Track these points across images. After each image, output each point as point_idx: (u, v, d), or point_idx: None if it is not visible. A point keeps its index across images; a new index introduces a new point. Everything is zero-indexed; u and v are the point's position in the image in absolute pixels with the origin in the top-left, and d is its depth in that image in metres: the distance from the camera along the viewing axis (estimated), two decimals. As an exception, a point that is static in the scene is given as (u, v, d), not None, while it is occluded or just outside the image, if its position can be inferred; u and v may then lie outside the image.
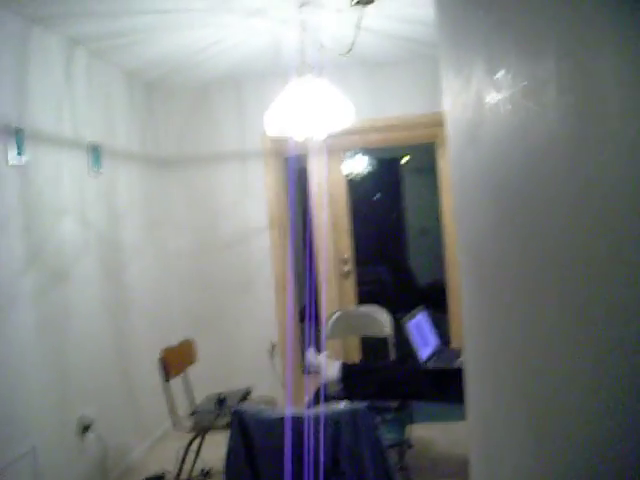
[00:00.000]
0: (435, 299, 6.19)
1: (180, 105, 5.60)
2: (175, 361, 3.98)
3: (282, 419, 2.39)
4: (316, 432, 2.29)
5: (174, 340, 4.32)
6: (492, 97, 1.21)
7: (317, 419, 2.32)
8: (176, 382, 4.13)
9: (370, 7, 3.86)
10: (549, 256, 0.96)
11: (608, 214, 0.73)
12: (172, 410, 3.85)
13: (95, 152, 4.32)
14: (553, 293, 0.99)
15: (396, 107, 5.34)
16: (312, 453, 2.30)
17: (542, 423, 1.17)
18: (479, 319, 1.87)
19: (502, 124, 1.18)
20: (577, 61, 0.77)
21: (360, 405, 2.39)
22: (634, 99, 0.65)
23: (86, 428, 3.91)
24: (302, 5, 3.77)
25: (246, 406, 2.71)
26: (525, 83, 0.98)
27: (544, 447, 1.17)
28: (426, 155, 6.15)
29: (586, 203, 0.78)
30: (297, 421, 2.37)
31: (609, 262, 0.76)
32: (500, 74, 1.12)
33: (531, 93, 0.95)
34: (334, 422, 2.29)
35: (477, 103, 1.42)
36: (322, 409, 2.38)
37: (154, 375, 3.85)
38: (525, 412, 1.30)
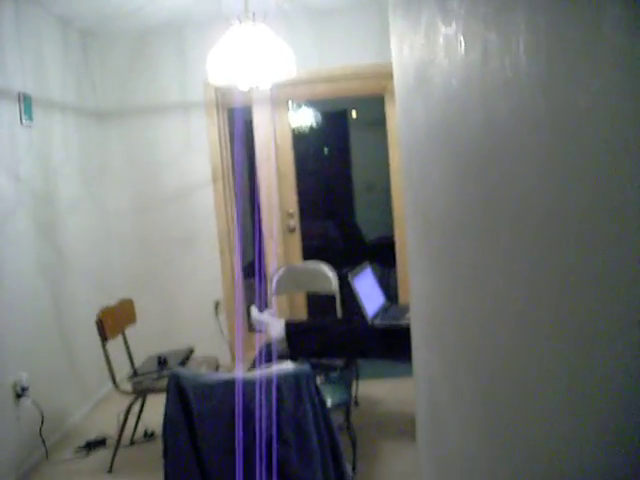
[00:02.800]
0: (383, 255, 6.14)
1: (119, 54, 5.33)
2: (113, 322, 3.82)
3: (220, 382, 2.28)
4: (258, 397, 2.19)
5: (115, 299, 4.16)
6: (444, 31, 1.08)
7: (258, 383, 2.21)
8: (118, 343, 3.99)
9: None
10: (514, 217, 0.84)
11: (588, 167, 0.60)
12: (111, 372, 3.71)
13: (26, 102, 4.08)
14: (511, 255, 0.88)
15: (343, 57, 5.17)
16: (253, 420, 2.19)
17: (489, 386, 1.09)
18: (426, 278, 1.78)
19: (456, 62, 1.05)
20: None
21: (302, 368, 2.28)
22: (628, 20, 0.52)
23: (21, 393, 3.75)
24: (244, -54, 3.57)
25: (183, 370, 2.58)
26: (485, 8, 0.85)
27: (490, 411, 1.10)
28: (375, 108, 6.02)
29: (564, 155, 0.66)
30: (237, 384, 2.26)
31: (583, 225, 0.64)
32: (454, 2, 0.99)
33: (493, 20, 0.82)
34: (276, 386, 2.18)
35: (426, 41, 1.28)
36: (262, 372, 2.27)
37: (94, 336, 3.69)
38: (472, 375, 1.21)
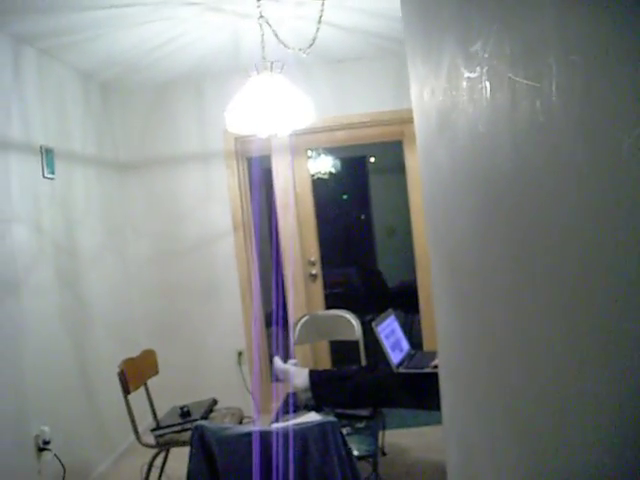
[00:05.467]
0: (406, 301, 6.08)
1: (138, 106, 5.40)
2: (135, 373, 3.79)
3: (245, 435, 2.23)
4: (283, 450, 2.14)
5: (137, 350, 4.13)
6: (467, 75, 1.07)
7: (284, 435, 2.16)
8: (141, 394, 3.95)
9: (331, 0, 3.72)
10: (549, 266, 0.81)
11: (630, 216, 0.58)
12: (133, 425, 3.67)
13: (48, 155, 4.12)
14: (543, 301, 0.85)
15: (361, 104, 5.21)
16: (279, 472, 2.14)
17: (526, 431, 1.05)
18: (454, 322, 1.74)
19: (482, 107, 1.03)
20: (587, 13, 0.62)
21: (329, 419, 2.23)
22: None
23: (42, 447, 3.71)
24: (261, -2, 3.61)
25: (208, 422, 2.54)
26: (510, 51, 0.83)
27: (526, 454, 1.05)
28: (393, 154, 6.04)
29: (605, 203, 0.63)
30: (262, 437, 2.21)
31: (607, 273, 0.61)
32: (477, 46, 0.97)
33: (521, 61, 0.79)
34: (302, 438, 2.13)
35: (449, 85, 1.27)
36: (290, 424, 2.22)
37: (116, 388, 3.66)
38: (508, 420, 1.17)
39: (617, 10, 0.57)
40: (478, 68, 1.00)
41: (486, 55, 0.95)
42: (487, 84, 0.97)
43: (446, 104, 1.36)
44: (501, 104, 0.90)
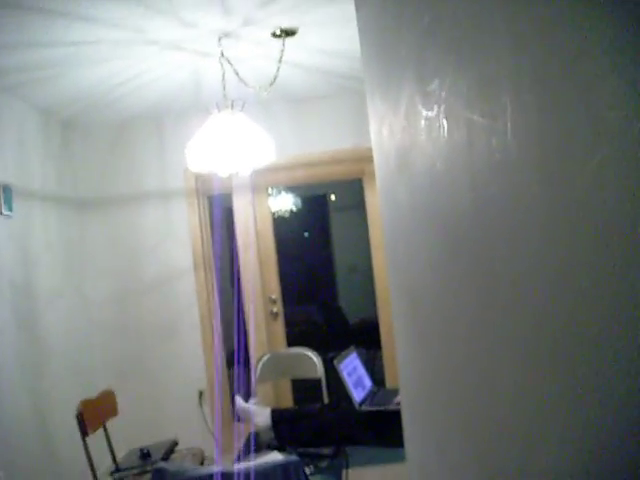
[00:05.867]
0: (367, 337, 6.08)
1: (99, 143, 5.37)
2: (94, 415, 3.72)
3: (207, 477, 2.20)
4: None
5: (96, 391, 4.05)
6: (425, 114, 1.08)
7: (246, 476, 2.13)
8: (100, 436, 3.87)
9: (292, 40, 3.77)
10: (509, 298, 0.82)
11: (588, 248, 0.59)
12: (91, 468, 3.59)
13: (6, 193, 4.06)
14: (505, 334, 0.85)
15: (322, 142, 5.25)
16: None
17: (487, 467, 1.05)
18: (414, 358, 1.75)
19: (439, 145, 1.04)
20: (539, 54, 0.64)
21: (291, 459, 2.21)
22: (614, 97, 0.52)
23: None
24: (221, 37, 3.65)
25: (168, 464, 2.50)
26: (467, 90, 0.84)
27: None
28: (354, 191, 6.08)
29: (562, 235, 0.64)
30: (224, 478, 2.17)
31: (580, 309, 0.62)
32: (434, 84, 0.99)
33: (476, 101, 0.81)
34: (265, 479, 2.11)
35: (407, 124, 1.29)
36: (252, 464, 2.20)
37: (74, 430, 3.58)
38: (468, 453, 1.17)
39: (566, 51, 0.59)
40: (435, 106, 1.02)
41: (443, 94, 0.97)
42: (444, 122, 0.99)
43: (405, 142, 1.38)
44: (458, 142, 0.92)
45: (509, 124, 0.70)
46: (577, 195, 0.58)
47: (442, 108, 0.99)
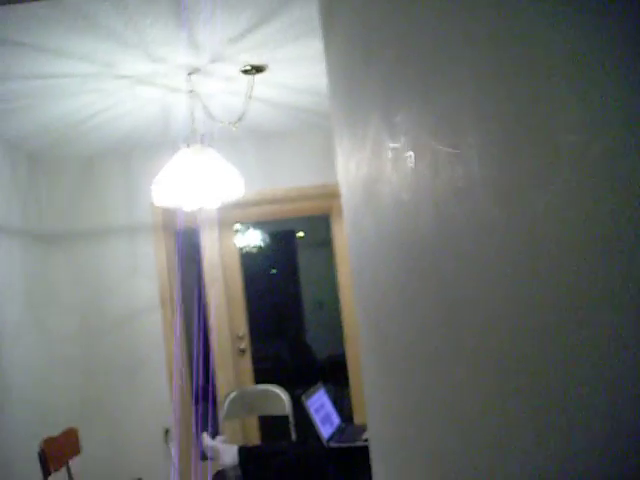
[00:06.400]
0: (335, 374, 6.06)
1: (66, 177, 5.33)
2: (56, 453, 3.64)
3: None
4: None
5: (59, 429, 3.97)
6: (391, 145, 1.10)
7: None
8: (62, 476, 3.78)
9: (261, 76, 3.80)
10: (469, 326, 0.83)
11: (549, 279, 0.60)
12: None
13: (-32, 228, 4.01)
14: (472, 371, 0.86)
15: (289, 178, 5.27)
16: None
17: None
18: (382, 393, 1.74)
19: (405, 176, 1.06)
20: (501, 84, 0.65)
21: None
22: (575, 124, 0.53)
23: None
24: (191, 73, 3.67)
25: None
26: (432, 120, 0.86)
27: None
28: (321, 227, 6.10)
29: (520, 258, 0.65)
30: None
31: (529, 332, 0.63)
32: (400, 116, 1.00)
33: (440, 131, 0.83)
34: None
35: (373, 157, 1.30)
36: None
37: (37, 469, 3.50)
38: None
39: (527, 80, 0.60)
40: (402, 137, 1.04)
41: (409, 125, 0.99)
42: (410, 153, 1.00)
43: (371, 175, 1.39)
44: (423, 171, 0.93)
45: (472, 152, 0.71)
46: (537, 218, 0.59)
47: (408, 139, 1.00)
